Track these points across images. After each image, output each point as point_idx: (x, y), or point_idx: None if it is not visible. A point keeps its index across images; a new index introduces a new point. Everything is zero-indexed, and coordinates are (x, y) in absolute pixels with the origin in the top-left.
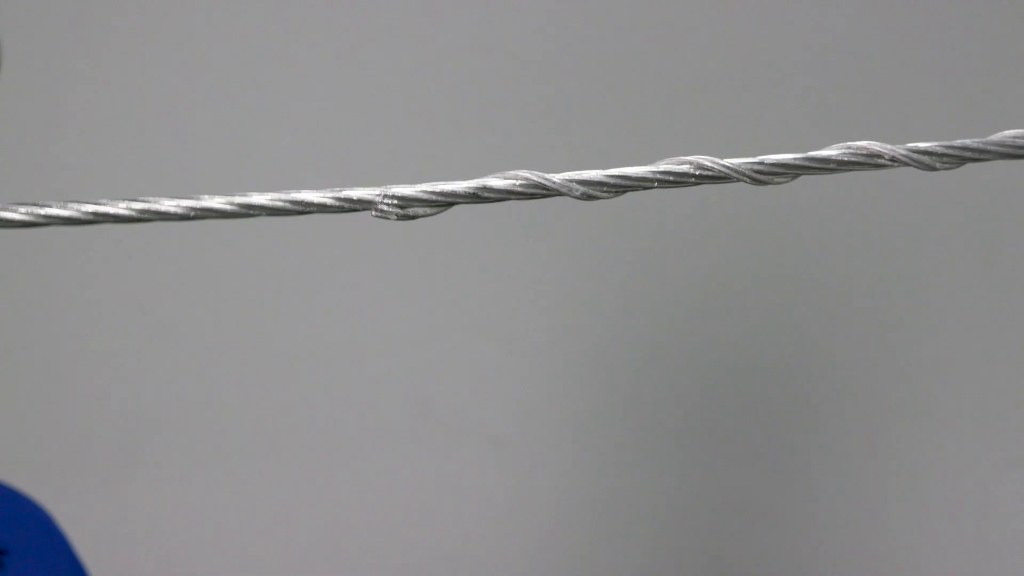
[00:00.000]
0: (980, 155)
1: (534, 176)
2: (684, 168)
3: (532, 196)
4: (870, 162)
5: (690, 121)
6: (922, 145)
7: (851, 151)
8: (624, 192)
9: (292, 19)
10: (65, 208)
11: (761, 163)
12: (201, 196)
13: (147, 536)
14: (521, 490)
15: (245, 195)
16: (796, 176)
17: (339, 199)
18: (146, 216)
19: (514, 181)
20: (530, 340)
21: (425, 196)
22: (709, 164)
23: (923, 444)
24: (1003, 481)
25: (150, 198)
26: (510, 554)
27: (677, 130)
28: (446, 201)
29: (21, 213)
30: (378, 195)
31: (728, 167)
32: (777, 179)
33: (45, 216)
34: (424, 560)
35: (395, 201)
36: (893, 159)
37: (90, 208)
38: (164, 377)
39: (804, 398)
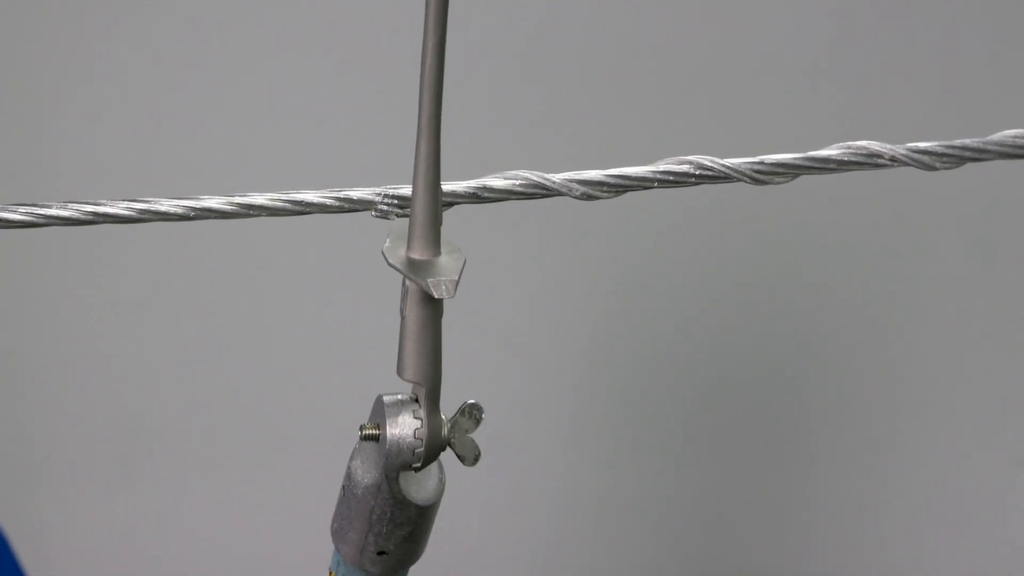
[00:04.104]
0: (980, 155)
1: (534, 176)
2: (684, 168)
3: (532, 196)
4: (870, 162)
5: (690, 121)
6: (922, 145)
7: (851, 151)
8: (624, 192)
9: (292, 19)
10: (65, 208)
11: (761, 163)
12: (201, 196)
13: (147, 537)
14: (520, 490)
15: (245, 195)
16: (796, 176)
17: (339, 199)
18: (146, 216)
19: (514, 181)
20: (530, 340)
21: None
22: (709, 164)
23: (923, 444)
24: (1004, 481)
25: (150, 198)
26: (509, 554)
27: (677, 130)
28: (446, 201)
29: (21, 213)
30: (378, 195)
31: (728, 167)
32: (777, 179)
33: (45, 216)
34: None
35: (395, 201)
36: (893, 159)
37: (90, 208)
38: (163, 378)
39: (803, 398)
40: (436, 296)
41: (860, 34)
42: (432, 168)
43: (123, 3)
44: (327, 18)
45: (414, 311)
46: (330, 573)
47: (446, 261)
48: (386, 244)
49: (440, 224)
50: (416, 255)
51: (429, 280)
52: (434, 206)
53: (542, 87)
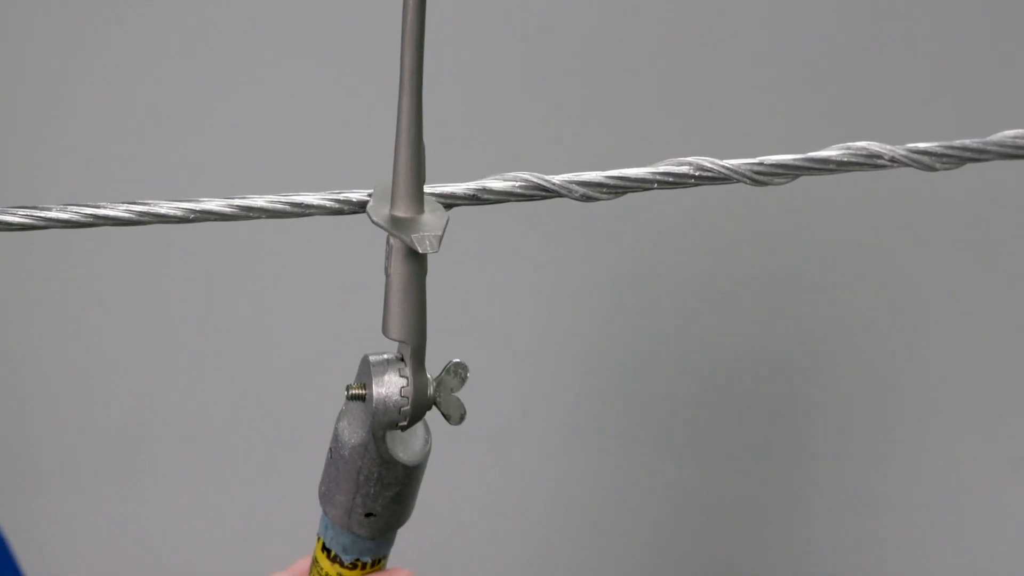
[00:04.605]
0: (980, 155)
1: (534, 177)
2: (684, 169)
3: (532, 197)
4: (870, 162)
5: (690, 121)
6: (922, 145)
7: (851, 151)
8: (624, 193)
9: (291, 20)
10: (65, 211)
11: (761, 163)
12: (200, 198)
13: (145, 537)
14: (520, 489)
15: (244, 197)
16: (796, 176)
17: (338, 201)
18: (145, 219)
19: (514, 182)
20: (529, 340)
21: None
22: (709, 164)
23: (923, 444)
24: (1004, 480)
25: (149, 201)
26: (508, 553)
27: (677, 130)
28: (446, 203)
29: (21, 216)
30: None
31: (728, 167)
32: (777, 179)
33: (45, 219)
34: (422, 559)
35: None
36: (893, 159)
37: (89, 211)
38: (163, 378)
39: (803, 398)
40: (420, 251)
41: (860, 34)
42: (414, 125)
43: (123, 4)
44: (327, 19)
45: (398, 268)
46: (318, 538)
47: (430, 218)
48: (370, 203)
49: (423, 182)
50: (400, 212)
51: (413, 236)
52: (417, 164)
53: (542, 88)
